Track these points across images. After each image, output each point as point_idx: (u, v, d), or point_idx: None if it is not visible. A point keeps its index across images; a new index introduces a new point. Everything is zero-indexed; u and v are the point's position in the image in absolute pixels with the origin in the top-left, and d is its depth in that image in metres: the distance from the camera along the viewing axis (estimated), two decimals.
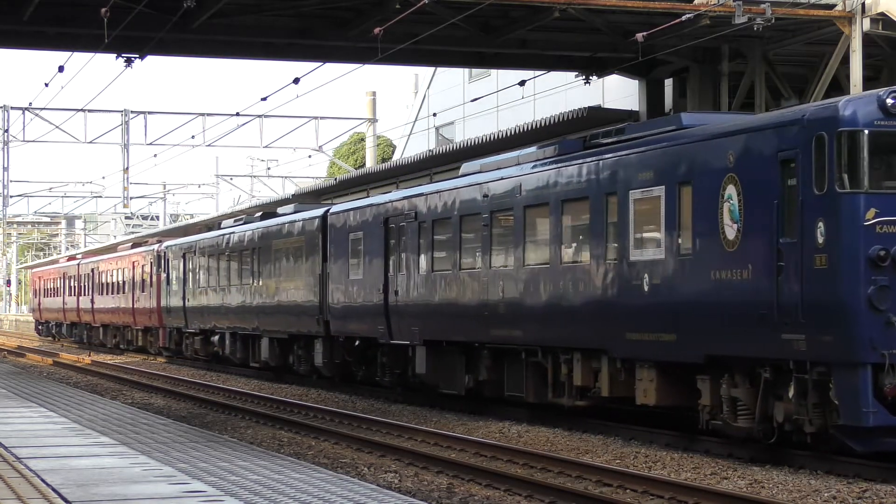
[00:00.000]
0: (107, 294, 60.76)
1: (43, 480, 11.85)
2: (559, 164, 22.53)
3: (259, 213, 40.67)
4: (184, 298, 46.18)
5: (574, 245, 22.26)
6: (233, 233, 40.73)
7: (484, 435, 22.39)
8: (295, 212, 36.34)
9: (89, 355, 55.36)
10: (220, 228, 43.76)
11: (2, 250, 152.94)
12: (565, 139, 25.59)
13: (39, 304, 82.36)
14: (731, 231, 18.25)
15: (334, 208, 33.15)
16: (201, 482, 11.90)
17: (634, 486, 16.36)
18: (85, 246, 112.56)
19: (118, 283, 57.99)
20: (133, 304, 54.69)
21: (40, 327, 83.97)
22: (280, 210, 38.47)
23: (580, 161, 21.91)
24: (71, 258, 76.54)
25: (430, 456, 19.37)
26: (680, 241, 19.33)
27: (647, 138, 20.58)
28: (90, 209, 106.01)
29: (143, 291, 52.93)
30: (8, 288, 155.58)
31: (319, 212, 33.79)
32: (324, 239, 32.90)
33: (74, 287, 68.83)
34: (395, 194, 29.70)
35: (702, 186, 18.87)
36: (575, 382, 21.98)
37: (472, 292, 25.18)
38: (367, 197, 36.19)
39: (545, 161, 23.16)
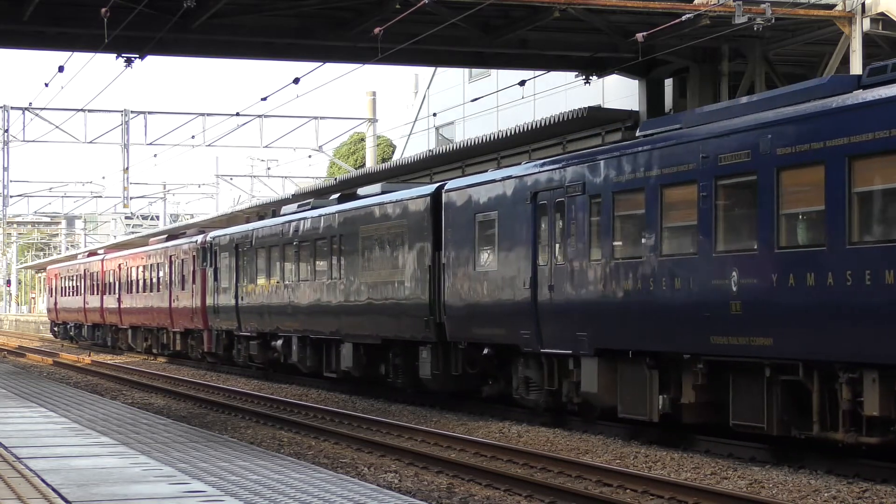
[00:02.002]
0: (137, 292, 54.64)
1: (43, 480, 11.84)
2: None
3: (335, 196, 34.94)
4: (236, 297, 40.05)
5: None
6: (304, 219, 34.58)
7: (484, 435, 22.39)
8: (383, 192, 30.53)
9: (89, 355, 55.32)
10: (280, 215, 37.77)
11: (2, 250, 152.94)
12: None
13: (56, 303, 74.72)
14: None
15: (451, 184, 26.71)
16: (201, 482, 11.90)
17: (634, 486, 16.36)
18: (85, 246, 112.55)
19: (151, 280, 51.97)
20: (170, 304, 48.75)
21: (56, 329, 76.70)
22: (362, 192, 32.27)
23: None
24: (92, 253, 69.83)
25: (430, 456, 19.37)
26: None
27: None
28: (90, 209, 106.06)
29: (182, 289, 46.98)
30: (8, 288, 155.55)
31: (428, 190, 27.66)
32: (435, 222, 26.89)
33: (98, 285, 62.36)
34: (551, 161, 23.30)
35: None
36: (868, 412, 16.13)
37: (680, 286, 19.12)
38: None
39: None
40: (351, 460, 19.67)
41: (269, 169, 79.94)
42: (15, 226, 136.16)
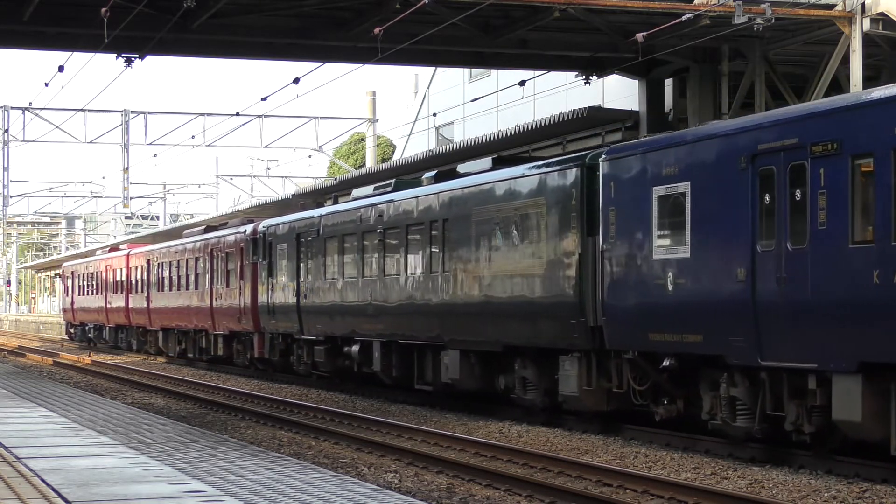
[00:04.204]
0: (169, 290, 48.79)
1: (43, 480, 11.84)
2: None
3: (431, 174, 28.49)
4: (298, 294, 34.45)
5: None
6: (390, 201, 29.04)
7: (484, 435, 22.38)
8: (494, 168, 25.35)
9: (89, 355, 55.29)
10: (352, 199, 32.32)
11: (2, 250, 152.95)
12: None
13: (73, 303, 68.56)
14: None
15: (613, 150, 21.28)
16: (201, 482, 11.89)
17: (634, 486, 16.36)
18: (85, 246, 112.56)
19: (187, 276, 46.32)
20: (211, 303, 43.08)
21: (73, 330, 70.67)
22: (465, 168, 26.89)
23: None
24: (114, 248, 63.58)
25: (430, 456, 19.36)
26: None
27: None
28: (90, 209, 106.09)
29: (226, 286, 41.45)
30: (8, 288, 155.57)
31: (578, 159, 22.23)
32: (587, 200, 21.69)
33: (122, 282, 56.47)
34: (778, 115, 17.84)
35: None
36: None
37: None
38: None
39: None
40: (351, 460, 19.67)
41: (269, 169, 79.97)
42: (15, 226, 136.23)
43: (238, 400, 31.54)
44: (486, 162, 25.89)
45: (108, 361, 50.56)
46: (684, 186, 19.06)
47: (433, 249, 26.80)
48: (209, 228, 45.88)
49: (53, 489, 11.29)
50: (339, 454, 20.58)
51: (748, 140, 17.86)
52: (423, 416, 26.11)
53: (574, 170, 21.99)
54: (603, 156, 21.12)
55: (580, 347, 21.62)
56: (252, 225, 39.46)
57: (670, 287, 19.22)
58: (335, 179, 53.26)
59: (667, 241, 19.42)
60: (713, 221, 18.45)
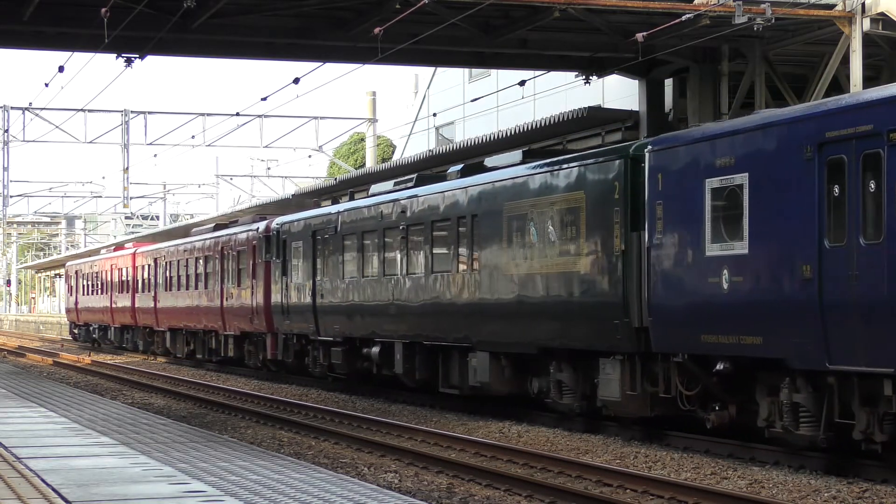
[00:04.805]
0: (178, 290, 47.58)
1: (43, 480, 11.84)
2: None
3: (457, 168, 27.19)
4: (314, 294, 33.25)
5: None
6: (414, 196, 27.80)
7: (484, 435, 22.38)
8: (525, 161, 24.11)
9: (89, 355, 55.29)
10: (371, 195, 31.09)
11: (2, 250, 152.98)
12: None
13: (77, 302, 67.27)
14: None
15: (662, 140, 19.88)
16: (201, 482, 11.89)
17: (634, 486, 16.36)
18: (85, 246, 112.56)
19: (196, 275, 45.12)
20: (222, 303, 42.00)
21: (77, 331, 69.19)
22: (492, 162, 25.67)
23: None
24: (119, 247, 62.11)
25: (430, 456, 19.36)
26: None
27: None
28: (90, 209, 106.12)
29: (237, 285, 40.37)
30: (8, 288, 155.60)
31: (621, 150, 21.03)
32: (631, 193, 20.46)
33: (127, 282, 55.33)
34: (854, 96, 16.83)
35: None
36: None
37: None
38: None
39: None
40: (351, 460, 19.67)
41: (269, 169, 79.99)
42: (15, 226, 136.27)
43: (238, 400, 31.53)
44: (516, 155, 24.82)
45: (108, 361, 50.56)
46: (741, 178, 17.82)
47: (461, 246, 25.69)
48: (219, 226, 44.70)
49: (53, 489, 11.29)
50: (339, 454, 20.58)
51: (814, 127, 16.61)
52: (423, 416, 26.10)
53: (617, 161, 20.70)
54: (649, 146, 19.87)
55: (623, 350, 20.39)
56: (265, 222, 38.38)
57: (726, 285, 17.99)
58: (335, 179, 53.27)
59: (722, 237, 18.16)
60: (774, 215, 17.17)
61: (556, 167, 22.47)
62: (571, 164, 21.99)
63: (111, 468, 12.87)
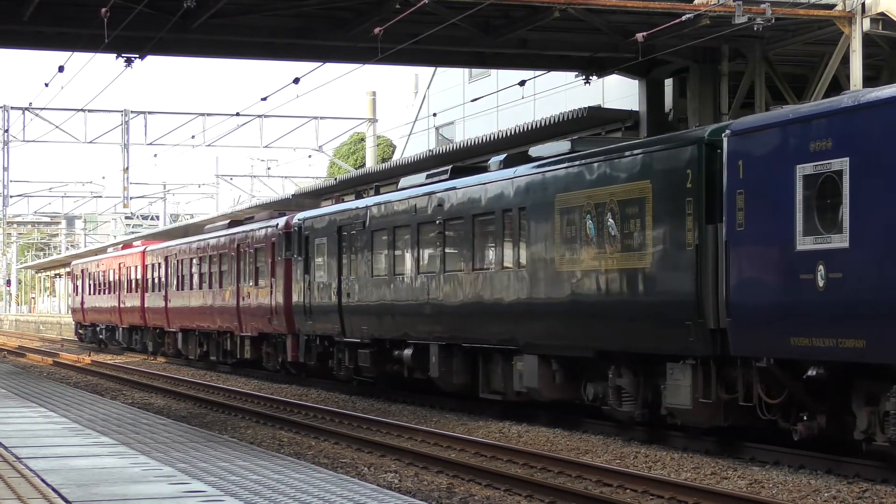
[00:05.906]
0: (191, 289, 45.63)
1: (43, 480, 11.84)
2: None
3: (499, 158, 25.20)
4: (339, 293, 31.22)
5: None
6: (452, 188, 25.89)
7: (484, 435, 22.38)
8: (573, 151, 22.30)
9: (89, 355, 55.28)
10: (400, 188, 29.22)
11: (2, 250, 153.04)
12: None
13: (83, 302, 65.10)
14: None
15: (742, 123, 18.05)
16: (201, 482, 11.89)
17: (634, 486, 16.36)
18: (85, 246, 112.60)
19: (210, 273, 43.14)
20: (238, 303, 39.97)
21: (83, 332, 67.09)
22: (537, 151, 23.72)
23: None
24: (126, 245, 59.93)
25: (430, 456, 19.36)
26: None
27: None
28: (90, 209, 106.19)
29: (255, 284, 38.40)
30: (8, 288, 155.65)
31: (694, 135, 19.22)
32: (707, 182, 18.48)
33: (137, 281, 53.32)
34: None
35: None
36: None
37: None
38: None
39: None
40: (351, 460, 19.67)
41: (269, 169, 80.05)
42: (15, 226, 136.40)
43: (238, 400, 31.53)
44: (565, 144, 22.91)
45: (108, 361, 50.55)
46: (840, 163, 15.89)
47: (506, 241, 23.71)
48: (234, 223, 42.79)
49: (53, 489, 11.29)
50: (339, 454, 20.58)
51: None
52: (423, 416, 26.09)
53: (690, 147, 18.82)
54: (727, 131, 17.94)
55: (696, 353, 18.51)
56: (284, 218, 36.34)
57: (821, 283, 16.10)
58: (335, 179, 53.27)
59: (816, 229, 16.26)
60: (880, 205, 15.32)
61: (617, 155, 20.55)
62: (636, 152, 20.08)
63: (111, 468, 12.87)
